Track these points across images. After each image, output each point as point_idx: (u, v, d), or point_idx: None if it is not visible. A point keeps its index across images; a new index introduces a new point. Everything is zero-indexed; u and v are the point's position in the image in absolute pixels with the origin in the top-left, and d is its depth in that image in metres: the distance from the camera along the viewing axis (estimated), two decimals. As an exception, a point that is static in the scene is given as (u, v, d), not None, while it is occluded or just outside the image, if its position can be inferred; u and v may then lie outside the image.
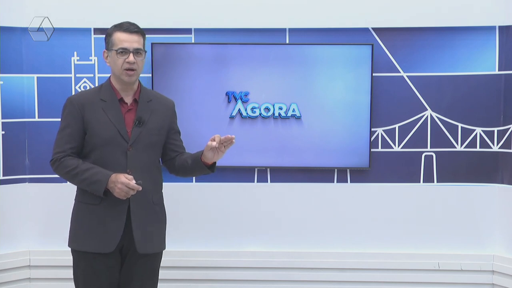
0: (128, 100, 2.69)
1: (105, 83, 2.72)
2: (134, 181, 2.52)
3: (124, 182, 2.51)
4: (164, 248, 2.83)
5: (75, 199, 2.72)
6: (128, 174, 2.59)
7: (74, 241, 2.69)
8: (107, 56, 2.68)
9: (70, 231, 2.71)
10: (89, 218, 2.64)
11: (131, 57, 2.60)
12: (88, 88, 3.66)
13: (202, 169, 2.71)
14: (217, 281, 3.79)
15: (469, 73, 3.70)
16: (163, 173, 2.85)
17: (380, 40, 3.70)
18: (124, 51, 2.61)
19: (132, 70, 2.62)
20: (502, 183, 3.71)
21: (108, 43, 2.66)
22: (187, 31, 3.73)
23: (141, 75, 3.62)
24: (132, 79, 2.64)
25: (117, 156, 2.62)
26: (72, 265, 2.73)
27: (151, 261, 2.74)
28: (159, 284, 3.59)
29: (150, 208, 2.69)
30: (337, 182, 3.79)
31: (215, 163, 2.72)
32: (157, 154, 2.75)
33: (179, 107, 3.65)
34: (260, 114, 3.70)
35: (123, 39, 2.62)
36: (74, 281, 2.73)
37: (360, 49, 3.66)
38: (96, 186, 2.56)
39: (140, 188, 2.54)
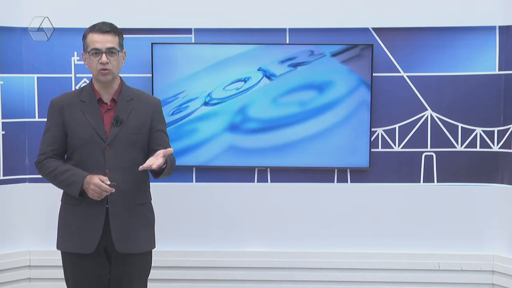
0: (107, 100, 2.69)
1: (87, 84, 2.74)
2: (108, 182, 2.53)
3: (96, 183, 2.52)
4: (153, 247, 2.81)
5: (61, 200, 2.73)
6: (107, 174, 2.60)
7: (60, 242, 2.71)
8: (85, 58, 2.69)
9: (57, 232, 2.73)
10: (71, 219, 2.66)
11: (103, 58, 2.61)
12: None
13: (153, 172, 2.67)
14: (217, 281, 3.79)
15: (469, 73, 3.70)
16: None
17: (380, 40, 3.70)
18: (97, 52, 2.62)
19: (106, 69, 2.62)
20: (502, 183, 3.71)
21: (84, 46, 2.68)
22: (187, 31, 3.73)
23: (141, 75, 3.68)
24: (107, 78, 2.64)
25: (95, 156, 2.62)
26: None
27: (138, 261, 2.72)
28: (158, 284, 3.62)
29: (132, 209, 2.68)
30: (337, 182, 3.79)
31: (162, 171, 2.64)
32: (139, 153, 2.71)
33: (179, 107, 3.67)
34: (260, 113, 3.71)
35: (95, 39, 2.62)
36: (65, 281, 2.75)
37: (360, 49, 3.66)
38: (72, 187, 2.58)
39: (114, 190, 2.54)
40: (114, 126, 2.64)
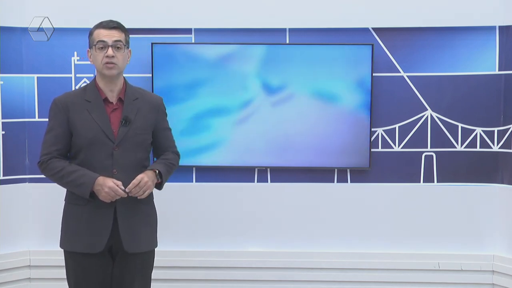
0: (113, 99, 2.68)
1: (90, 83, 2.72)
2: (122, 187, 2.54)
3: (112, 187, 2.53)
4: (156, 246, 2.82)
5: (64, 200, 2.73)
6: (114, 174, 2.60)
7: (64, 241, 2.71)
8: (90, 55, 2.69)
9: (61, 232, 2.73)
10: (77, 219, 2.65)
11: (109, 51, 2.60)
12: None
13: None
14: (217, 281, 3.79)
15: (469, 73, 3.70)
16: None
17: (380, 40, 3.70)
18: (103, 45, 2.61)
19: (112, 63, 2.61)
20: (502, 183, 3.71)
21: (90, 42, 2.68)
22: (187, 31, 3.73)
23: (141, 75, 3.68)
24: (112, 72, 2.62)
25: (102, 156, 2.61)
26: None
27: (142, 260, 2.73)
28: (158, 284, 3.61)
29: (138, 208, 2.68)
30: (337, 182, 3.79)
31: (160, 183, 2.72)
32: (145, 153, 2.72)
33: (179, 107, 3.68)
34: (260, 113, 3.71)
35: (102, 33, 2.63)
36: (67, 281, 2.74)
37: (360, 49, 3.66)
38: (82, 189, 2.57)
39: (126, 195, 2.56)
40: (123, 126, 2.64)
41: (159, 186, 2.74)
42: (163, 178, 2.71)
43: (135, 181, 2.58)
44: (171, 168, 2.79)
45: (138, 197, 2.60)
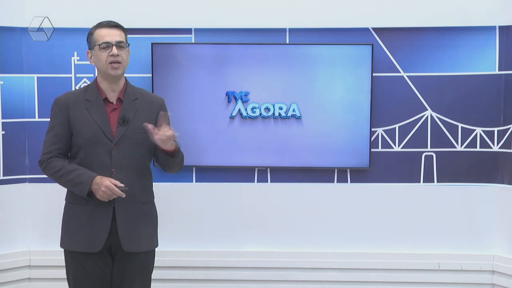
0: (113, 99, 2.69)
1: (91, 83, 2.74)
2: (119, 185, 2.55)
3: (108, 186, 2.53)
4: (156, 246, 2.82)
5: (65, 199, 2.74)
6: (113, 173, 2.61)
7: (64, 240, 2.72)
8: (91, 56, 2.70)
9: (61, 231, 2.74)
10: (77, 218, 2.66)
11: (114, 50, 2.62)
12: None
13: (167, 157, 2.69)
14: (217, 281, 3.79)
15: (469, 73, 3.70)
16: (167, 173, 2.87)
17: (380, 40, 3.70)
18: (107, 45, 2.63)
19: (117, 62, 2.63)
20: (502, 183, 3.71)
21: (91, 42, 2.69)
22: (187, 31, 3.73)
23: (141, 75, 3.68)
24: (118, 72, 2.64)
25: (101, 156, 2.63)
26: None
27: (142, 260, 2.73)
28: (158, 284, 3.62)
29: (137, 208, 2.69)
30: (337, 182, 3.79)
31: (175, 151, 2.68)
32: (145, 152, 2.72)
33: (179, 107, 3.68)
34: (260, 114, 3.70)
35: (104, 34, 2.64)
36: (67, 280, 2.75)
37: (360, 49, 3.66)
38: (80, 187, 2.58)
39: (124, 195, 2.56)
40: (120, 126, 2.65)
41: (172, 154, 2.68)
42: (176, 156, 2.68)
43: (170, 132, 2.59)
44: (183, 156, 2.77)
45: (162, 140, 2.57)
